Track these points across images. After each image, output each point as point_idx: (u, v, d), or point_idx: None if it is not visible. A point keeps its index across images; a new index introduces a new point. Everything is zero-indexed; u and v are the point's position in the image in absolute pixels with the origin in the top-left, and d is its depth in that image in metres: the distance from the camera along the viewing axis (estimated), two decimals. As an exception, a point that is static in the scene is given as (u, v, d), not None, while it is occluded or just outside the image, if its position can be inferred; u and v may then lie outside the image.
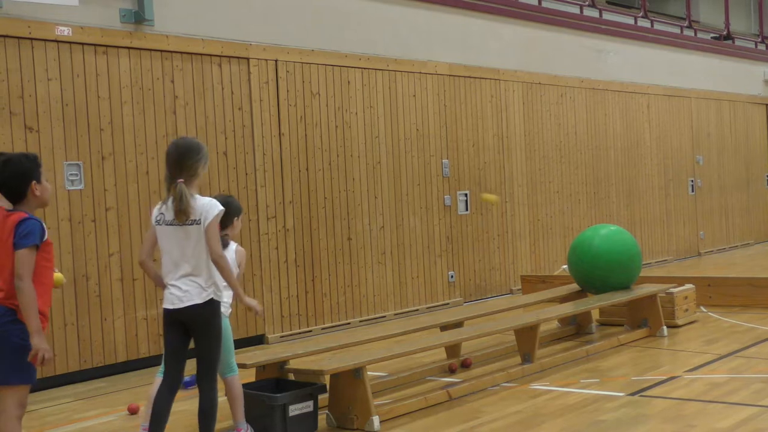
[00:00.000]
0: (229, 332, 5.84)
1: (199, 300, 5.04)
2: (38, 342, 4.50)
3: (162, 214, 5.13)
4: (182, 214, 5.01)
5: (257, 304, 5.36)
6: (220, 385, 5.36)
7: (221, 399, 5.40)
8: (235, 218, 6.02)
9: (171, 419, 5.21)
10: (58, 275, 5.03)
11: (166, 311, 5.12)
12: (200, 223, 5.03)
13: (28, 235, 4.52)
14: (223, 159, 9.51)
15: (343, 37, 10.85)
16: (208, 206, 5.06)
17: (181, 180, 5.05)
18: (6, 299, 4.54)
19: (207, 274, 5.08)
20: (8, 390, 4.56)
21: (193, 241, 5.04)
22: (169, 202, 5.07)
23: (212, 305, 5.09)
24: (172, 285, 5.08)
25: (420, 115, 11.71)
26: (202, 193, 5.32)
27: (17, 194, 4.65)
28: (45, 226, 4.65)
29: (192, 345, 5.19)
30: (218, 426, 5.31)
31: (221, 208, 5.10)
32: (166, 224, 5.10)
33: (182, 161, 5.10)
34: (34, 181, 4.64)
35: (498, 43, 13.06)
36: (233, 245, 6.02)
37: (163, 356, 5.38)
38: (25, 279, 4.48)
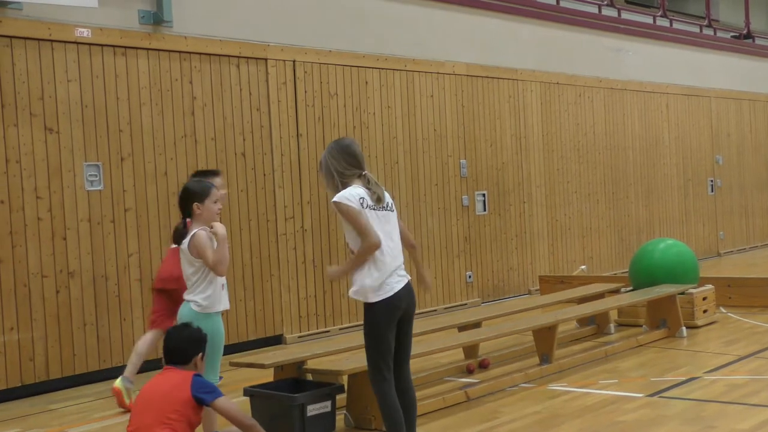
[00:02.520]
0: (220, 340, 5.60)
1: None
2: None
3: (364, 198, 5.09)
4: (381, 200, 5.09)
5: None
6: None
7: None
8: (194, 204, 5.42)
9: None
10: None
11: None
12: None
13: (213, 390, 4.89)
14: (241, 160, 9.54)
15: (361, 38, 10.85)
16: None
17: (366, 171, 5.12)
18: None
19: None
20: None
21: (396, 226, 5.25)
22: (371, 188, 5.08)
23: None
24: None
25: (438, 116, 11.70)
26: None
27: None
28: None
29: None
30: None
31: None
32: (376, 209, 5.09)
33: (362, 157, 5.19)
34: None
35: (516, 42, 13.03)
36: (191, 233, 5.46)
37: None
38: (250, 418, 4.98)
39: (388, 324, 5.02)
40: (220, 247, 5.34)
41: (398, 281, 5.07)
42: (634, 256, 10.35)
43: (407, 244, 5.35)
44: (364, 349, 5.23)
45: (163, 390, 4.86)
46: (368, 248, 4.94)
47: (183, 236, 5.48)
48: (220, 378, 5.91)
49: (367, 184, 5.07)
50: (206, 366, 5.35)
